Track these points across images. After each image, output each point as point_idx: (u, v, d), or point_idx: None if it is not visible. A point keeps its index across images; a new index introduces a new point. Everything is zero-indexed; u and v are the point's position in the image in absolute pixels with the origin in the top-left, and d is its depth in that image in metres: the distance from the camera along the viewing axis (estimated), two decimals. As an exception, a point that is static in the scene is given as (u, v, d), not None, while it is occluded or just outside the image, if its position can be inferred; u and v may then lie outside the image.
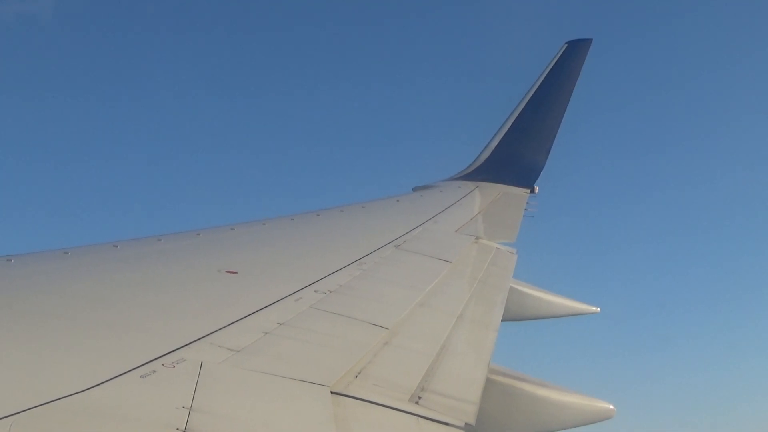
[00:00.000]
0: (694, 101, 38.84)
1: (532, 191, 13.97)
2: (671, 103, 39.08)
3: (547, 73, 16.25)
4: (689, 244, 33.76)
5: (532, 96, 15.97)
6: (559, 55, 16.52)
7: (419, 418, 3.64)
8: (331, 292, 5.28)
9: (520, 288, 7.94)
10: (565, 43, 16.79)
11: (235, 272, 5.42)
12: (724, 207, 34.61)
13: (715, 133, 38.09)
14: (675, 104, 39.56)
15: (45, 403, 2.74)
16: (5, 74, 34.38)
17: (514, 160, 14.87)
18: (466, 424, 3.71)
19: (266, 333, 4.16)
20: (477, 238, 8.97)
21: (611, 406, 5.92)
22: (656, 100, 38.81)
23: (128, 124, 36.69)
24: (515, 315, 7.59)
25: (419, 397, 3.92)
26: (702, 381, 26.33)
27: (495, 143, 15.25)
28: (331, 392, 3.56)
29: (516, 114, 15.75)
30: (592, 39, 16.68)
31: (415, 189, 13.10)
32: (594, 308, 8.69)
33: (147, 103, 37.87)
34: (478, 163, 14.78)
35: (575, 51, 16.46)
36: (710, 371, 27.00)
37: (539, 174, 14.64)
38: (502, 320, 6.13)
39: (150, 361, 3.37)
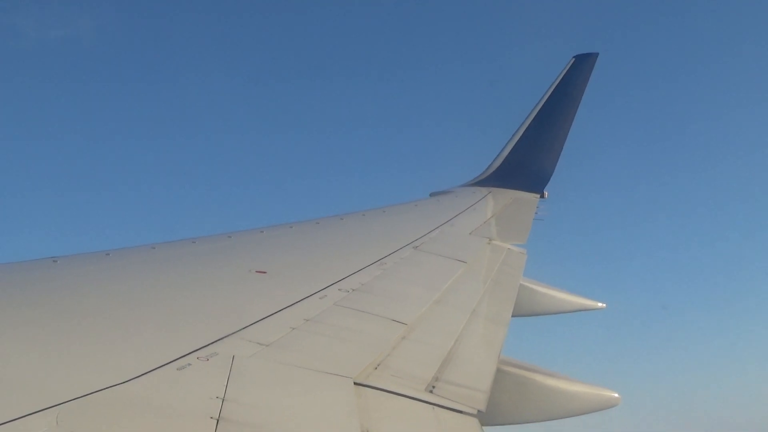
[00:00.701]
0: (698, 108, 38.55)
1: (542, 196, 13.93)
2: (676, 110, 38.83)
3: (556, 85, 16.20)
4: (691, 246, 33.49)
5: (542, 107, 15.92)
6: (567, 68, 16.46)
7: (434, 406, 3.65)
8: (353, 290, 5.30)
9: (530, 285, 7.91)
10: (573, 57, 16.73)
11: (265, 272, 5.45)
12: (728, 210, 34.31)
13: (723, 139, 37.78)
14: (679, 111, 39.28)
15: (89, 394, 2.78)
16: (50, 96, 34.79)
17: (525, 167, 14.84)
18: (478, 411, 3.71)
19: (294, 328, 4.18)
20: (490, 239, 8.95)
21: (617, 395, 5.88)
22: (661, 108, 38.57)
23: (168, 137, 36.95)
24: (526, 311, 7.57)
25: (434, 387, 3.93)
26: (706, 374, 26.08)
27: (507, 151, 15.24)
28: (354, 383, 3.58)
29: (527, 123, 15.72)
30: (598, 53, 16.63)
31: (432, 194, 13.11)
32: (600, 304, 8.62)
33: (187, 119, 38.14)
34: (491, 170, 14.77)
35: (582, 64, 16.39)
36: (714, 365, 26.73)
37: (548, 180, 14.61)
38: (513, 316, 6.12)
39: (185, 355, 3.40)
